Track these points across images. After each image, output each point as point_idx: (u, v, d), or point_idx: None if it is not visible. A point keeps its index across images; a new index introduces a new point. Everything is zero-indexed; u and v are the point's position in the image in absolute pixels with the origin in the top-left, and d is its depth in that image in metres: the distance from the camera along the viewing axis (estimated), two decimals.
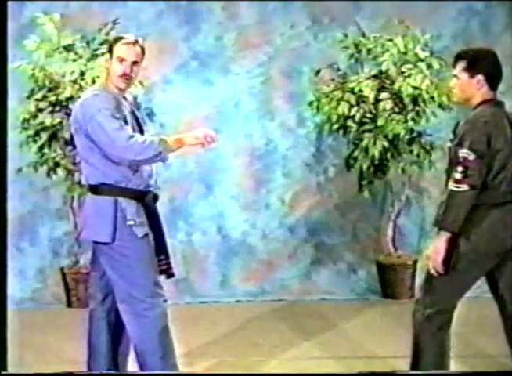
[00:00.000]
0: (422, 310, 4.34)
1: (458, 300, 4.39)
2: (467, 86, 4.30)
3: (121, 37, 4.39)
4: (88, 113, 4.24)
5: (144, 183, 4.34)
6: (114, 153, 4.20)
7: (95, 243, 4.39)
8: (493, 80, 4.31)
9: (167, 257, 4.42)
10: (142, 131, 4.39)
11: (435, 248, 4.22)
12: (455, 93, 4.41)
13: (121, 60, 4.31)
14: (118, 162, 4.24)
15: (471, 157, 4.15)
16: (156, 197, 4.43)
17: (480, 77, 4.27)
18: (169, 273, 4.43)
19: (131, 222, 4.27)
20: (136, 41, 4.36)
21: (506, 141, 4.24)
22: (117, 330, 4.53)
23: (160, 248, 4.39)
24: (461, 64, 4.30)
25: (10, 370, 4.97)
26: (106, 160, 4.27)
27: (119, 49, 4.32)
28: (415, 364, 4.41)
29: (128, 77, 4.33)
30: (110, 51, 4.36)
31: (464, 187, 4.14)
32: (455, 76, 4.34)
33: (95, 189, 4.32)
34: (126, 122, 4.29)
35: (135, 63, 4.33)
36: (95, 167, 4.30)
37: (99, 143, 4.23)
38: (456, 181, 4.15)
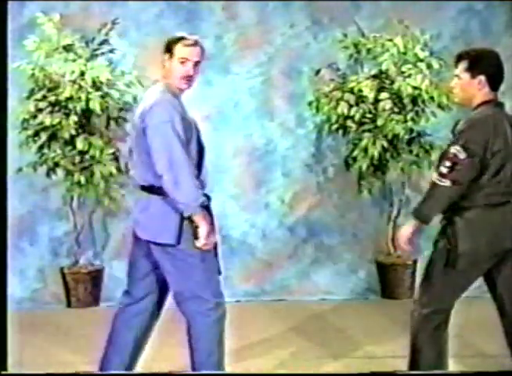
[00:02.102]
0: (419, 309, 4.35)
1: (455, 300, 4.40)
2: (468, 86, 4.30)
3: (182, 38, 4.34)
4: (155, 119, 4.18)
5: (202, 186, 4.33)
6: (158, 171, 4.16)
7: (155, 244, 4.30)
8: (495, 81, 4.31)
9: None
10: (199, 137, 4.38)
11: (404, 230, 4.33)
12: (456, 93, 4.42)
13: (184, 62, 4.30)
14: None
15: (462, 155, 4.15)
16: (209, 198, 4.40)
17: (481, 77, 4.27)
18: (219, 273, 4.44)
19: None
20: (196, 42, 4.35)
21: (505, 142, 4.25)
22: (144, 330, 4.52)
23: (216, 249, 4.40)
24: (463, 64, 4.30)
25: (10, 370, 4.97)
26: None
27: (181, 50, 4.30)
28: (413, 364, 4.42)
29: (190, 78, 4.33)
30: (169, 51, 4.32)
31: (447, 183, 4.16)
32: (456, 76, 4.34)
33: (159, 191, 4.23)
34: (190, 131, 4.27)
35: (197, 63, 4.33)
36: (153, 170, 4.22)
37: (150, 151, 4.19)
38: (441, 174, 4.18)
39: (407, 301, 6.82)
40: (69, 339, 5.63)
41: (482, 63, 4.30)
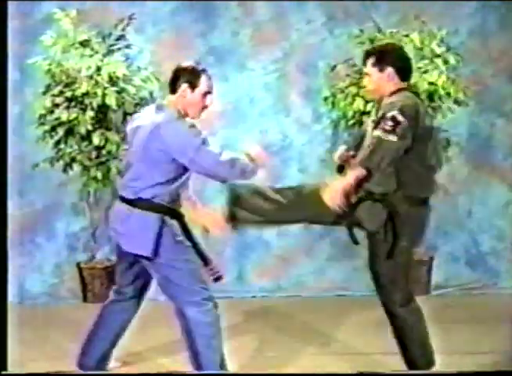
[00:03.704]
0: (410, 305, 4.39)
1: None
2: (378, 80, 4.42)
3: (203, 70, 4.45)
4: (186, 145, 4.28)
5: (179, 207, 4.50)
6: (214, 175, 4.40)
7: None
8: (403, 71, 4.40)
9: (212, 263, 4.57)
10: None
11: (340, 183, 4.31)
12: (368, 90, 4.51)
13: (206, 94, 4.43)
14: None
15: (401, 117, 4.15)
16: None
17: (389, 69, 4.33)
18: (219, 277, 4.59)
19: (180, 238, 4.41)
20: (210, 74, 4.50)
21: (430, 130, 4.31)
22: (125, 326, 4.76)
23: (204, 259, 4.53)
24: (370, 61, 4.43)
25: (28, 364, 5.01)
26: (164, 181, 4.36)
27: (206, 84, 4.42)
28: (422, 355, 4.44)
29: (206, 109, 4.48)
30: (191, 82, 4.40)
31: (394, 138, 4.14)
32: (366, 74, 4.40)
33: (142, 204, 4.37)
34: None
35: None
36: (150, 183, 4.36)
37: (199, 170, 4.36)
38: (385, 130, 4.16)
39: (423, 298, 6.81)
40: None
41: (388, 56, 4.41)
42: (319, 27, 7.21)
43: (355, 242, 4.36)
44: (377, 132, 4.17)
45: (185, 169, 4.38)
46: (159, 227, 4.35)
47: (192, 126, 4.35)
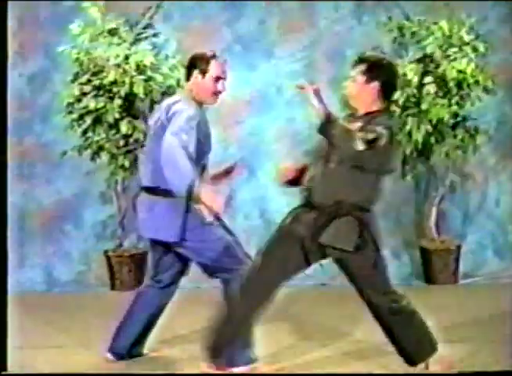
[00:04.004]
0: (404, 301, 4.47)
1: None
2: (362, 88, 4.32)
3: (214, 56, 4.54)
4: (175, 118, 4.39)
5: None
6: (160, 156, 4.33)
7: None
8: (388, 89, 4.35)
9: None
10: (210, 147, 4.64)
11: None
12: (349, 95, 4.44)
13: (218, 79, 4.54)
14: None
15: (384, 140, 4.08)
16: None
17: (376, 83, 4.29)
18: None
19: (208, 220, 4.49)
20: (226, 60, 4.61)
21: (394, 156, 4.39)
22: (159, 312, 4.85)
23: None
24: (360, 67, 4.35)
25: (45, 352, 5.04)
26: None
27: (215, 68, 4.53)
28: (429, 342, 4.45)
29: (220, 94, 4.58)
30: (201, 68, 4.52)
31: (361, 146, 4.04)
32: (351, 78, 4.37)
33: (163, 193, 4.46)
34: (205, 138, 4.56)
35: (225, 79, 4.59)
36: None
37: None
38: (363, 138, 4.04)
39: (451, 287, 6.79)
40: (112, 321, 5.67)
41: (379, 69, 4.33)
42: (346, 15, 7.18)
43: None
44: (359, 133, 4.11)
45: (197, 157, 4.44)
46: (184, 212, 4.43)
47: (192, 115, 4.42)
